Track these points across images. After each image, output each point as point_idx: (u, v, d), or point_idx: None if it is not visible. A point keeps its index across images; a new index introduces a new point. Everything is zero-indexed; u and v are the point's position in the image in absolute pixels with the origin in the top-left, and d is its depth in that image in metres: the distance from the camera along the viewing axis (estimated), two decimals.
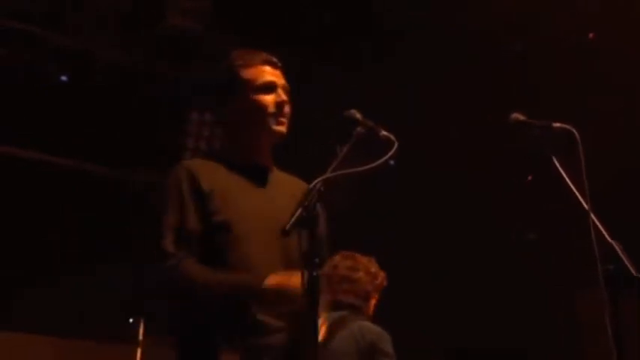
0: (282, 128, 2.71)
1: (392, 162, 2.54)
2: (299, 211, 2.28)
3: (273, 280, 2.44)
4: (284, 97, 2.71)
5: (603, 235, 2.28)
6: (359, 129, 2.50)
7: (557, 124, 2.44)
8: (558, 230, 5.75)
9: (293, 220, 2.28)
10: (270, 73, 2.74)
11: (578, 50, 5.84)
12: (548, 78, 5.98)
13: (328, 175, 2.37)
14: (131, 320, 5.18)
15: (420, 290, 6.45)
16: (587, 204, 2.32)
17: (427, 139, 6.21)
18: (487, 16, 5.77)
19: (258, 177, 2.71)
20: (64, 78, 5.57)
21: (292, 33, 5.65)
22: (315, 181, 2.33)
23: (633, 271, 2.22)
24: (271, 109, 2.69)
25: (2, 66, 5.42)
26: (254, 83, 2.71)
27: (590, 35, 5.62)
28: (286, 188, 2.75)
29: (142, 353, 5.03)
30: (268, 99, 2.69)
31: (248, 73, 2.73)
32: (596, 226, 2.30)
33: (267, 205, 2.65)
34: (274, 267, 2.52)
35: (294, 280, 2.38)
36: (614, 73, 5.65)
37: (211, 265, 2.50)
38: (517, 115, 2.57)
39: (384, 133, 2.47)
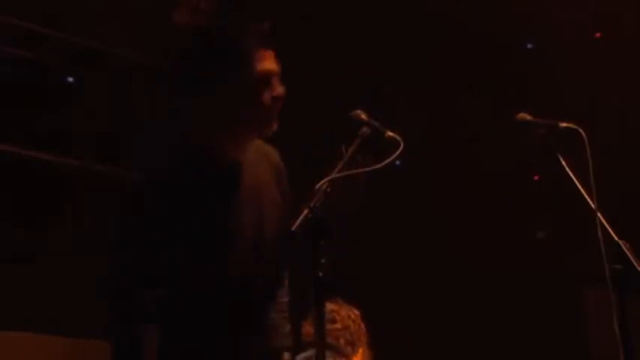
0: (274, 127, 2.47)
1: (398, 162, 2.54)
2: (305, 212, 2.27)
3: None
4: (280, 91, 2.43)
5: (611, 235, 2.27)
6: (364, 129, 2.48)
7: (564, 124, 2.44)
8: (567, 228, 5.76)
9: (299, 221, 2.26)
10: (268, 57, 2.41)
11: (582, 49, 5.86)
12: (553, 77, 6.00)
13: (334, 175, 2.36)
14: None
15: (424, 287, 6.45)
16: (594, 203, 2.31)
17: (434, 137, 6.22)
18: (490, 15, 5.80)
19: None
20: (70, 79, 5.56)
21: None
22: (322, 181, 2.32)
23: None
24: (266, 106, 2.41)
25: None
26: (252, 68, 2.37)
27: (597, 34, 5.62)
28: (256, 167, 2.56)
29: None
30: (266, 92, 2.40)
31: (238, 50, 2.36)
32: (604, 225, 2.29)
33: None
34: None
35: None
36: (618, 72, 5.65)
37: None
38: (523, 115, 2.57)
39: (390, 133, 2.46)
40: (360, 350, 3.89)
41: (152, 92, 5.76)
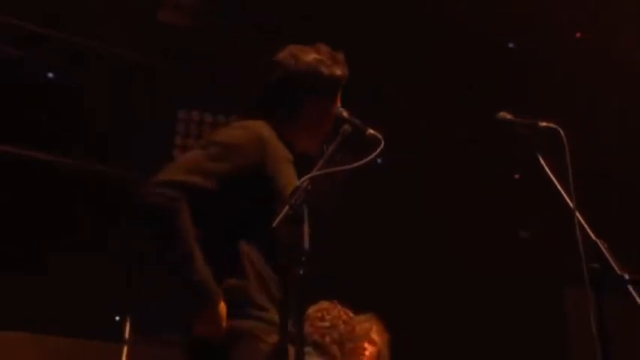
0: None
1: (379, 160, 2.55)
2: (286, 208, 2.29)
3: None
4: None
5: (588, 234, 2.28)
6: (345, 127, 2.51)
7: (543, 123, 2.44)
8: (548, 228, 5.76)
9: (280, 217, 2.28)
10: (338, 99, 2.77)
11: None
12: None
13: (315, 173, 2.38)
14: (117, 318, 5.20)
15: (406, 287, 6.46)
16: (572, 202, 2.32)
17: (417, 137, 6.23)
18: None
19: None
20: (50, 75, 5.59)
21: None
22: (302, 179, 2.34)
23: (617, 270, 2.22)
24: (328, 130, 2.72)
25: None
26: (334, 100, 2.73)
27: (578, 35, 5.63)
28: None
29: (128, 351, 5.04)
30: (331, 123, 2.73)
31: (332, 88, 2.74)
32: (582, 224, 2.29)
33: None
34: None
35: None
36: (600, 72, 5.67)
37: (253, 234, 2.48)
38: (504, 114, 2.58)
39: (371, 131, 2.49)
40: (367, 353, 3.92)
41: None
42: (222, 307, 2.39)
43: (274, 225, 2.26)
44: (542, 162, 2.39)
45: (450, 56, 6.04)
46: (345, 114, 2.57)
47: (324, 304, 3.69)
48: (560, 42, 5.81)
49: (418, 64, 6.14)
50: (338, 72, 2.73)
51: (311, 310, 3.68)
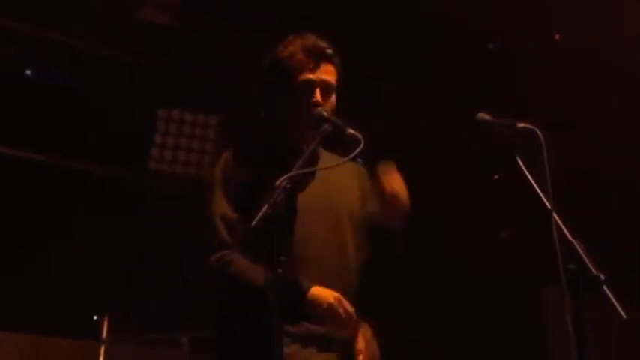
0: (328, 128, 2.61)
1: (360, 160, 2.56)
2: (265, 207, 2.30)
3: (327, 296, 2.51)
4: (316, 97, 2.65)
5: (565, 234, 2.28)
6: (326, 126, 2.52)
7: (521, 125, 2.45)
8: (527, 228, 5.76)
9: (259, 216, 2.29)
10: (309, 70, 2.68)
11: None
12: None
13: (294, 172, 2.39)
14: (95, 317, 5.21)
15: (386, 283, 6.46)
16: (549, 203, 2.32)
17: (397, 136, 6.22)
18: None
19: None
20: (28, 72, 5.61)
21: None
22: (282, 178, 2.35)
23: (594, 271, 2.22)
24: (305, 109, 2.64)
25: None
26: (292, 79, 2.68)
27: (557, 37, 5.63)
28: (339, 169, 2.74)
29: (106, 351, 5.04)
30: (304, 98, 2.66)
31: (288, 66, 2.68)
32: (559, 225, 2.30)
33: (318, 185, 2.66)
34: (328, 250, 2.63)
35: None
36: (580, 74, 5.66)
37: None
38: (482, 115, 2.59)
39: (351, 131, 2.49)
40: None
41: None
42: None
43: (253, 225, 2.28)
44: (520, 163, 2.40)
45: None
46: (325, 113, 2.57)
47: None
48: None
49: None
50: (284, 52, 2.71)
51: None
